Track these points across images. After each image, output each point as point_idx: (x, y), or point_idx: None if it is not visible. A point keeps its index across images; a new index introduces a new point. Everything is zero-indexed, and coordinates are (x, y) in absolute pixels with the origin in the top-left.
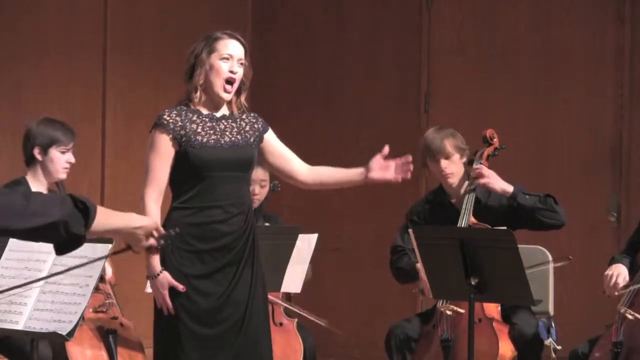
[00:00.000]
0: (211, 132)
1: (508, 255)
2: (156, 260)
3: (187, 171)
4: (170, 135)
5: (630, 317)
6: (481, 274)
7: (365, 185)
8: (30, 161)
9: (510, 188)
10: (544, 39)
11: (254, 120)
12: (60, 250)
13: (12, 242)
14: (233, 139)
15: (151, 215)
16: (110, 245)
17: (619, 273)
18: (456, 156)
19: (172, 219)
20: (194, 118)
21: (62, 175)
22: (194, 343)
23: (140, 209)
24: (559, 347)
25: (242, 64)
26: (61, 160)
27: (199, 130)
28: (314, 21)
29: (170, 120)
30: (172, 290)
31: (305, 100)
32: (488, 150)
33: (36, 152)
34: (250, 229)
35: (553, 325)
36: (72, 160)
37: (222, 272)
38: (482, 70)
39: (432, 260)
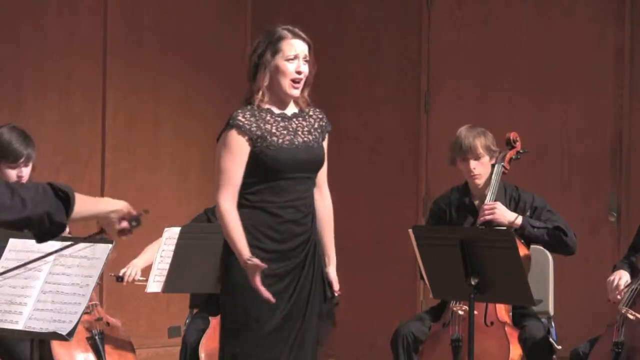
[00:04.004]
0: (285, 132)
1: (508, 255)
2: (242, 245)
3: (261, 171)
4: (247, 137)
5: (631, 317)
6: (481, 274)
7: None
8: None
9: (519, 220)
10: (544, 39)
11: (321, 117)
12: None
13: (12, 242)
14: (305, 139)
15: (230, 218)
16: (110, 246)
17: (621, 277)
18: (486, 158)
19: (246, 217)
20: (267, 118)
21: None
22: (262, 341)
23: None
24: (559, 347)
25: (306, 61)
26: (12, 175)
27: (273, 130)
28: (314, 21)
29: (245, 122)
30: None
31: None
32: (510, 154)
33: None
34: (314, 228)
35: (553, 325)
36: (23, 174)
37: (291, 273)
38: (482, 70)
39: (432, 260)
